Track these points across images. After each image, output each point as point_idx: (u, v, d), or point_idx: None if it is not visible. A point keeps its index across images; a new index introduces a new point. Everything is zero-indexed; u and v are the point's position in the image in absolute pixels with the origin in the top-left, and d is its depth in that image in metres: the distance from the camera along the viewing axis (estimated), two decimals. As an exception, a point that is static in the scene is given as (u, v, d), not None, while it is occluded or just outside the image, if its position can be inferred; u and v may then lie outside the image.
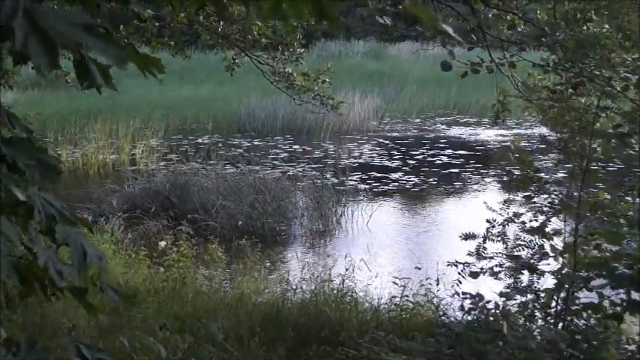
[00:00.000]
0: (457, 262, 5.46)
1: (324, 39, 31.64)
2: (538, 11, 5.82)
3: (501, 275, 5.32)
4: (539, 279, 5.22)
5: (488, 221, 5.52)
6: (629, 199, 5.02)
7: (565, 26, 5.20)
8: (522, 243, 5.34)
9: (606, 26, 5.19)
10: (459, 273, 5.40)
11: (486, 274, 5.33)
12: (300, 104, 8.47)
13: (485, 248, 5.42)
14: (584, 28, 5.26)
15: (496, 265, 5.34)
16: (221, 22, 7.75)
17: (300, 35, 7.84)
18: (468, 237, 5.49)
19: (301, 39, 7.91)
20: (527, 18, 5.63)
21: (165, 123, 18.41)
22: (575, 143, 5.10)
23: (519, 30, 5.71)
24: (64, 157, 14.58)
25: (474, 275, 5.28)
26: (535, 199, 5.44)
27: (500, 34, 5.99)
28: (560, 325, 4.96)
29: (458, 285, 5.35)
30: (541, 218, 5.29)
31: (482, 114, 21.05)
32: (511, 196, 5.65)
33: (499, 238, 5.43)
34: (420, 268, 7.02)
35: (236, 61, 8.49)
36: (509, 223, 5.45)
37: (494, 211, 5.52)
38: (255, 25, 7.61)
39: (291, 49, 7.83)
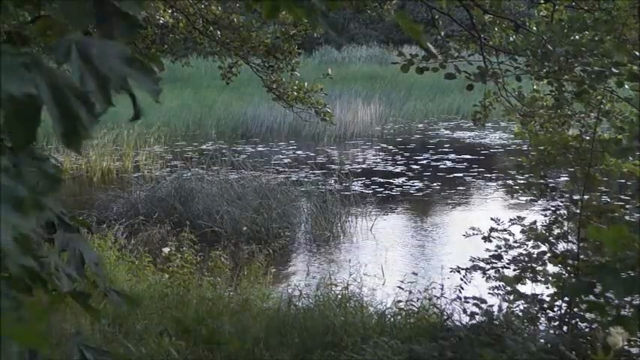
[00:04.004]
0: (459, 267, 5.49)
1: (326, 44, 31.63)
2: (527, 22, 5.85)
3: (506, 274, 5.34)
4: (540, 282, 5.23)
5: (492, 219, 5.58)
6: (630, 205, 5.02)
7: (559, 34, 5.19)
8: (525, 252, 5.35)
9: (597, 37, 5.18)
10: (461, 279, 5.42)
11: (490, 277, 5.35)
12: (297, 112, 8.38)
13: (490, 243, 5.46)
14: (579, 37, 5.25)
15: (502, 267, 5.36)
16: (219, 31, 7.74)
17: (295, 45, 7.78)
18: (468, 235, 5.54)
19: (297, 48, 7.85)
20: (521, 26, 5.65)
21: (169, 129, 18.43)
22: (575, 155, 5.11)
23: (512, 39, 5.72)
24: (67, 163, 14.58)
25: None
26: (539, 204, 5.46)
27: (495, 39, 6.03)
28: (565, 328, 4.96)
29: (461, 291, 5.39)
30: (544, 221, 5.31)
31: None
32: (517, 201, 5.68)
33: (502, 238, 5.46)
34: (422, 277, 7.04)
35: (233, 69, 8.45)
36: (514, 225, 5.48)
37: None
38: (255, 31, 7.60)
39: (287, 57, 7.77)
